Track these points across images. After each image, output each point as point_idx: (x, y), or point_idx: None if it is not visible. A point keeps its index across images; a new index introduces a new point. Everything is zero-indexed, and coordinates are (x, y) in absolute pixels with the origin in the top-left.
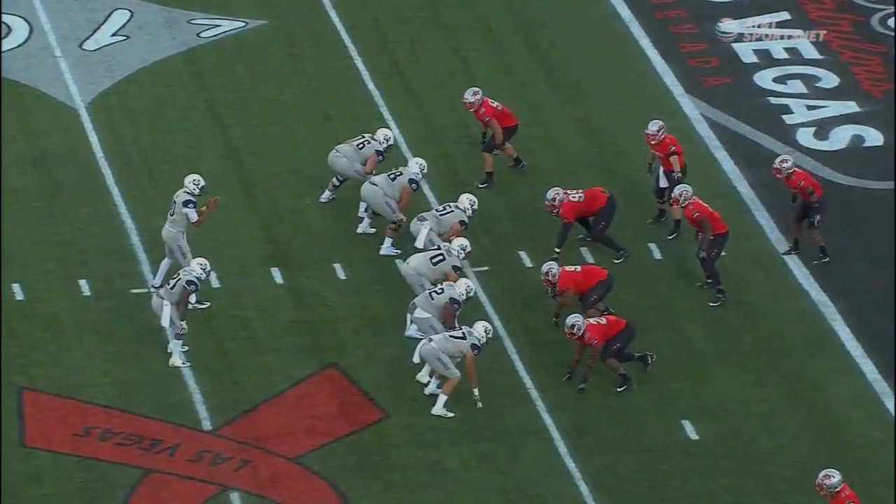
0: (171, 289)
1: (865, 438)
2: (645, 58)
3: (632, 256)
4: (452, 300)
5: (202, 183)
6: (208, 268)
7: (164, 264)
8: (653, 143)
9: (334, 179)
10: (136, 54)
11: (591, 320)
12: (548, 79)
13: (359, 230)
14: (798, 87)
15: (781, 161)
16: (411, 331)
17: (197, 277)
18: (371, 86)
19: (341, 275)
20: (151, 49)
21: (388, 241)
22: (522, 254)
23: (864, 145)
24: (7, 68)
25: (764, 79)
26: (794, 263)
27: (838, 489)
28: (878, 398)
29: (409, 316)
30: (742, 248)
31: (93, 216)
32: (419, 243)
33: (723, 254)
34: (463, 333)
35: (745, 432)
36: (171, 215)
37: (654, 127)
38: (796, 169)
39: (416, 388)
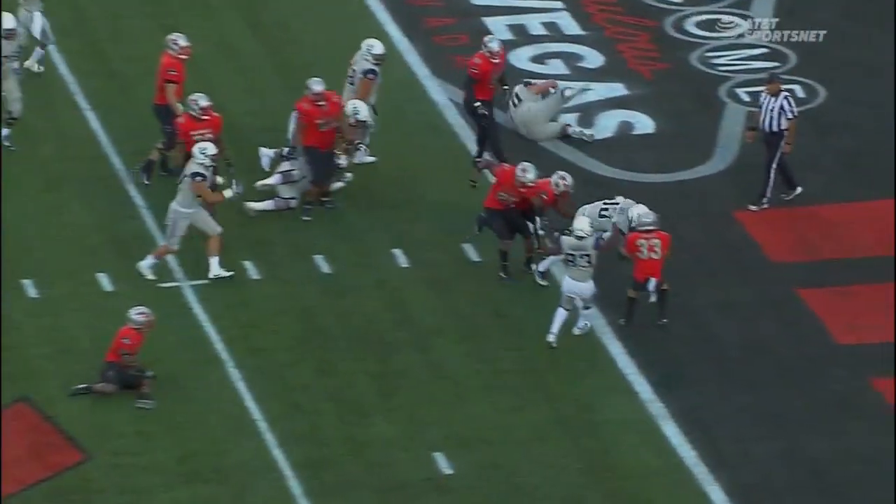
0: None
1: (640, 467)
2: (385, 35)
3: (375, 264)
4: None
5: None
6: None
7: None
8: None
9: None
10: None
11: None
12: (274, 61)
13: None
14: (559, 66)
15: None
16: None
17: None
18: (63, 69)
19: (32, 292)
20: None
21: None
22: (248, 264)
23: (634, 133)
24: None
25: (520, 58)
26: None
27: None
28: (653, 421)
29: None
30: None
31: None
32: None
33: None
34: None
35: (505, 463)
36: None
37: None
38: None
39: (122, 423)
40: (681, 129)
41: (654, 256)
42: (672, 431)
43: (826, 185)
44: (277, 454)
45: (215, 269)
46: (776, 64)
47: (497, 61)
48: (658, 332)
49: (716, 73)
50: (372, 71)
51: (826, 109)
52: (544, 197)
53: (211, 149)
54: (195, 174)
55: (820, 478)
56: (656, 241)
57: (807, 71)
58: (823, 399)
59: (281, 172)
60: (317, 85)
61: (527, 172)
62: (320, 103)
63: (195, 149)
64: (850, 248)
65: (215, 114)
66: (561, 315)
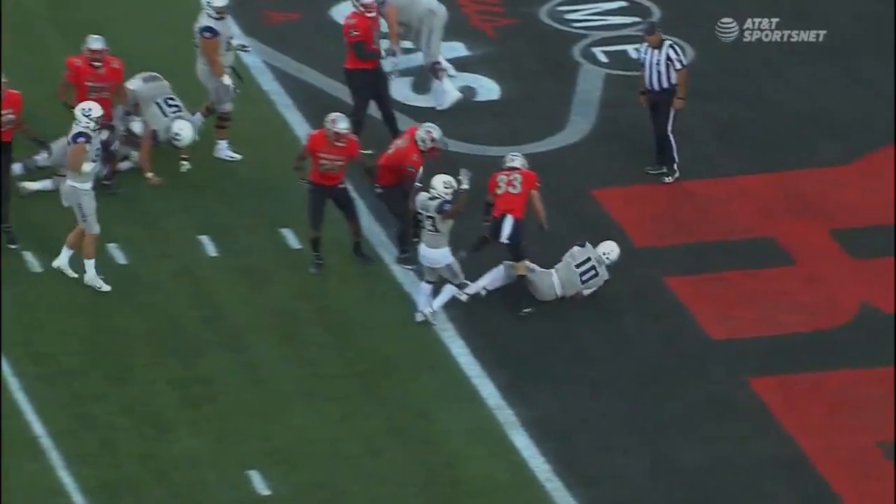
0: None
1: (487, 482)
2: None
3: (177, 253)
4: None
5: None
6: None
7: None
8: None
9: None
10: None
11: None
12: (54, 19)
13: None
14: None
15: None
16: None
17: None
18: None
19: None
20: None
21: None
22: (28, 255)
23: (476, 99)
24: None
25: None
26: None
27: None
28: (501, 430)
29: None
30: (328, 238)
31: None
32: None
33: None
34: None
35: (332, 481)
36: None
37: None
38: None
39: None
40: (530, 95)
41: (513, 191)
42: (523, 442)
43: (697, 157)
44: (64, 476)
45: (63, 260)
46: (637, 19)
47: (373, 15)
48: (506, 330)
49: (569, 30)
50: (208, 28)
51: (696, 72)
52: (410, 170)
53: (96, 110)
54: (78, 135)
55: (693, 491)
56: (517, 176)
57: (674, 28)
58: (697, 402)
59: (22, 161)
60: (96, 42)
61: (337, 122)
62: (95, 63)
63: (77, 110)
64: (725, 230)
65: (13, 91)
66: (424, 289)
